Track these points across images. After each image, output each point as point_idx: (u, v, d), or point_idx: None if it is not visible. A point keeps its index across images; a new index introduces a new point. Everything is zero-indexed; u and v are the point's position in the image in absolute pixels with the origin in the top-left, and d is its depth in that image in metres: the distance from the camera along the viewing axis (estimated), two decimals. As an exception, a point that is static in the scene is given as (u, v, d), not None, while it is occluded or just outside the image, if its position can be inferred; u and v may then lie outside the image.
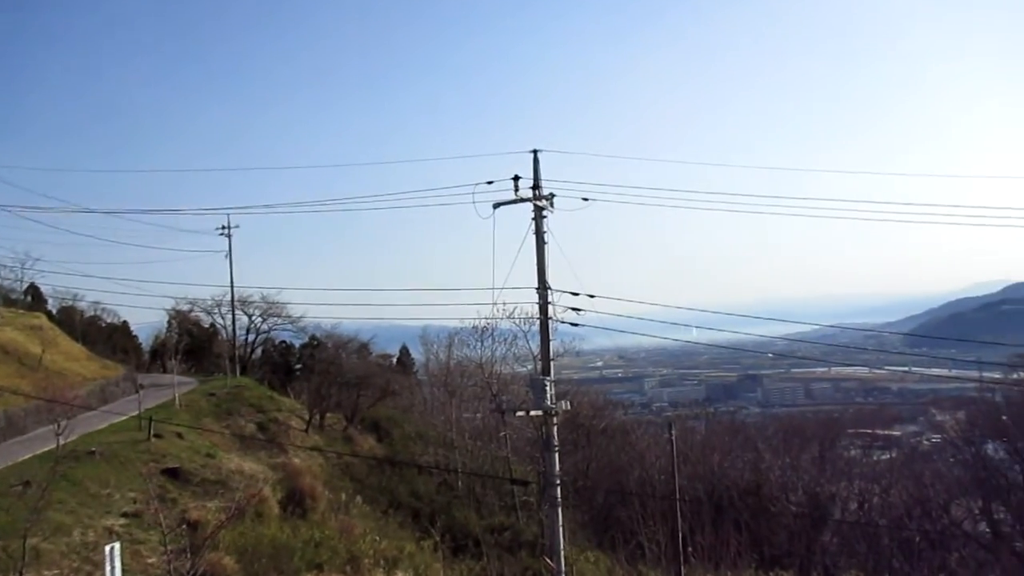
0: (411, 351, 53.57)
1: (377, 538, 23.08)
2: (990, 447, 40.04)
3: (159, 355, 52.62)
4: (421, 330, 44.60)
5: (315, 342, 48.03)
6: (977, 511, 37.34)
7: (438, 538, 25.56)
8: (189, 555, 14.48)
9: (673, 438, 24.96)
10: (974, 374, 56.43)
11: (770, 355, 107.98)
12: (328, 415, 36.99)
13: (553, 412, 19.46)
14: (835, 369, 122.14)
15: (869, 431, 49.47)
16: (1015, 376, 40.49)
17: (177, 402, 32.28)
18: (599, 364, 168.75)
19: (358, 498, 27.63)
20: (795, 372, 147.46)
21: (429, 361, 44.94)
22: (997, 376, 43.70)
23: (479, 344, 36.92)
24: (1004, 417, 40.32)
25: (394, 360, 52.77)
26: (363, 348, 46.82)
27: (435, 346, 42.81)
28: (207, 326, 53.65)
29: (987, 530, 36.53)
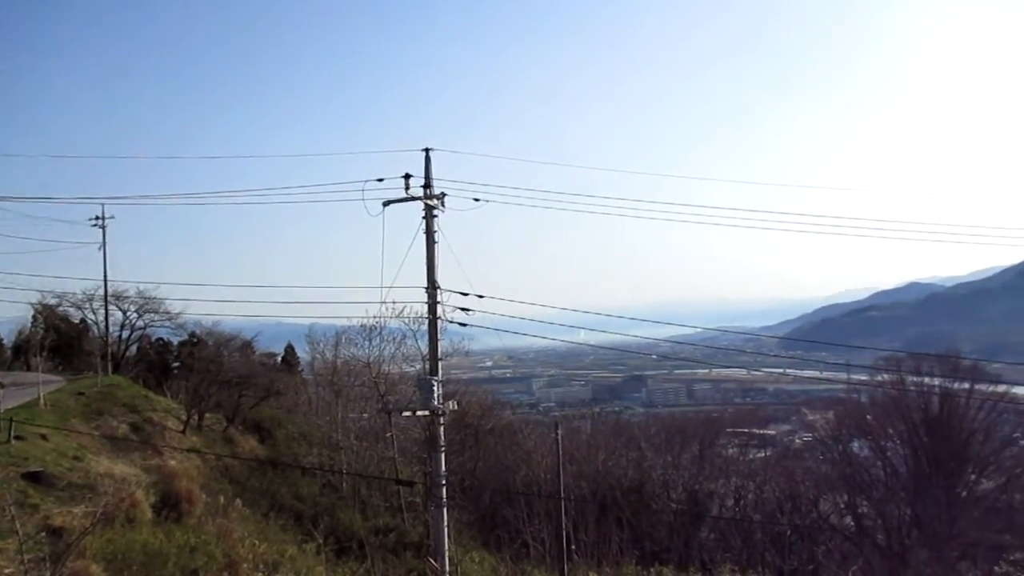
0: (297, 350, 52.29)
1: (257, 542, 22.32)
2: (856, 445, 42.31)
3: (22, 352, 49.51)
4: (307, 328, 43.60)
5: (195, 339, 46.19)
6: (843, 505, 39.38)
7: (321, 541, 24.97)
8: (49, 564, 13.63)
9: (559, 438, 25.26)
10: (843, 376, 59.33)
11: (655, 357, 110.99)
12: (207, 415, 35.64)
13: (440, 412, 19.37)
14: (716, 371, 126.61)
15: (746, 430, 51.46)
16: (879, 378, 42.80)
17: (42, 402, 30.38)
18: (488, 364, 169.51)
19: (238, 501, 26.67)
20: (678, 373, 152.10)
21: (315, 360, 43.90)
22: (864, 378, 46.19)
23: (367, 343, 36.32)
24: (869, 417, 42.68)
25: (279, 359, 51.40)
26: (246, 346, 45.39)
27: (321, 345, 41.86)
28: (77, 322, 50.84)
29: (851, 523, 38.58)
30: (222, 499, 25.96)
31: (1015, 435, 41.24)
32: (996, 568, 32.13)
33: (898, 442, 40.65)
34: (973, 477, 39.10)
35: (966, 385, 39.20)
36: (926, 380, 40.27)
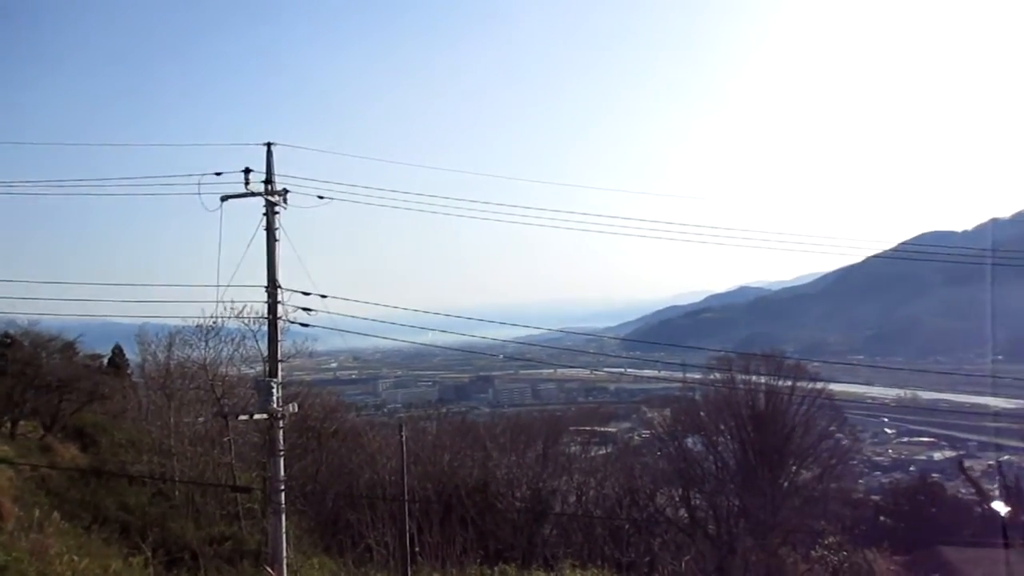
0: (125, 351, 49.14)
1: (76, 557, 20.79)
2: (690, 441, 44.32)
3: None
4: (138, 328, 41.00)
5: (8, 340, 42.51)
6: (678, 498, 41.18)
7: (149, 553, 23.59)
8: None
9: (403, 439, 25.00)
10: (679, 375, 61.89)
11: (501, 357, 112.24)
12: (22, 423, 32.94)
13: (279, 415, 18.72)
14: (560, 371, 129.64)
15: (588, 428, 52.79)
16: (712, 377, 45.03)
17: None
18: (333, 366, 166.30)
19: (55, 514, 24.76)
20: (524, 373, 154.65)
21: (146, 362, 41.29)
22: (698, 377, 48.38)
23: (203, 344, 34.58)
24: (702, 414, 44.83)
25: (105, 361, 48.13)
26: (68, 347, 42.18)
27: (153, 346, 39.46)
28: None
29: (685, 515, 40.40)
30: (37, 513, 24.02)
31: (831, 429, 44.44)
32: (813, 552, 34.45)
33: (728, 437, 42.93)
34: (794, 468, 41.86)
35: (789, 383, 41.90)
36: (753, 378, 42.77)
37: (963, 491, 47.01)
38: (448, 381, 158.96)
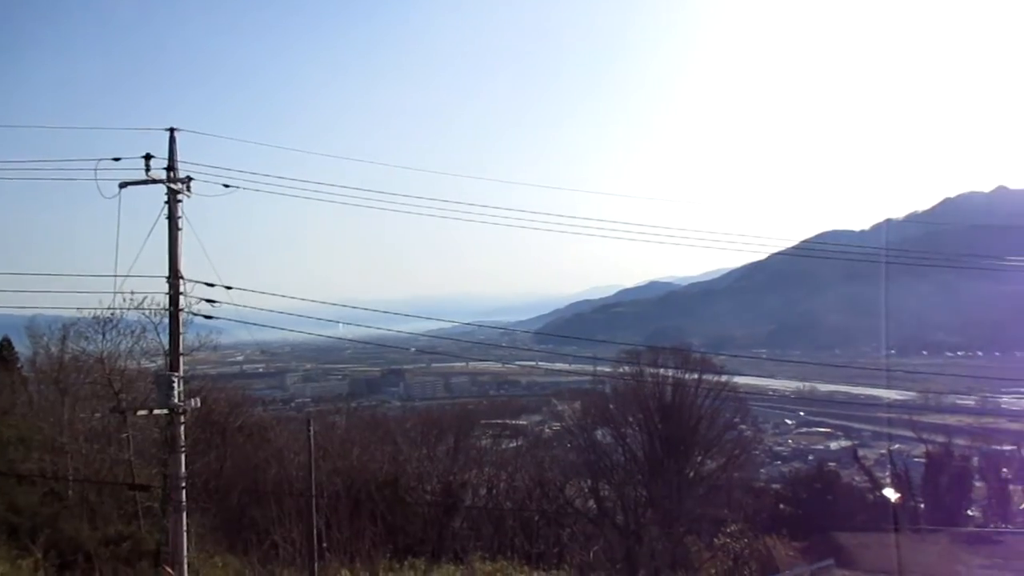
0: (14, 343, 46.73)
1: (-43, 563, 19.76)
2: (600, 433, 44.93)
3: None
4: (28, 320, 39.02)
5: None
6: (587, 490, 41.72)
7: (40, 555, 22.56)
8: None
9: (311, 434, 24.54)
10: (590, 368, 62.65)
11: (413, 350, 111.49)
12: (-101, 420, 31.04)
13: (181, 410, 18.10)
14: (472, 364, 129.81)
15: (500, 421, 53.02)
16: (621, 370, 45.70)
17: None
18: (239, 359, 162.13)
19: (-65, 517, 23.47)
20: (436, 367, 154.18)
21: (37, 355, 39.38)
22: (608, 370, 48.99)
23: (100, 337, 33.14)
24: (612, 406, 45.49)
25: (-8, 354, 45.72)
26: (-49, 340, 39.96)
27: (46, 338, 37.65)
28: None
29: (594, 506, 40.98)
30: (-86, 516, 22.72)
31: (735, 420, 45.71)
32: (716, 540, 35.39)
33: (636, 429, 43.68)
34: (699, 459, 42.90)
35: (695, 376, 42.89)
36: (662, 371, 43.63)
37: (857, 479, 49.06)
38: (359, 375, 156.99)
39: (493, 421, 51.69)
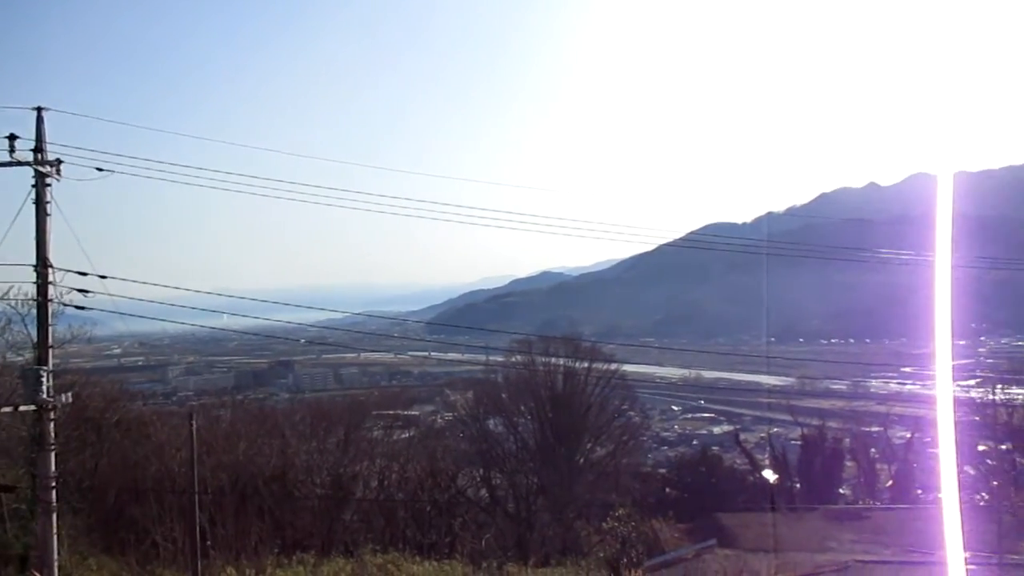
0: None
1: None
2: (492, 422, 45.21)
3: None
4: None
5: None
6: (479, 479, 41.93)
7: None
8: None
9: (193, 427, 23.65)
10: (483, 358, 62.90)
11: (302, 341, 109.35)
12: None
13: (50, 406, 17.12)
14: (364, 355, 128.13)
15: (392, 412, 52.46)
16: (513, 359, 46.07)
17: None
18: (116, 351, 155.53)
19: None
20: (326, 358, 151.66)
21: None
22: (500, 360, 49.28)
23: (-40, 329, 31.05)
24: (504, 395, 45.86)
25: None
26: None
27: (-102, 331, 35.02)
28: None
29: (486, 495, 41.23)
30: None
31: (623, 407, 46.80)
32: (604, 524, 36.13)
33: (528, 417, 44.18)
34: (589, 446, 43.76)
35: (585, 364, 43.65)
36: (553, 361, 44.23)
37: (739, 462, 50.96)
38: (245, 367, 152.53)
39: (385, 412, 50.97)
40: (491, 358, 58.26)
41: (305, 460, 36.83)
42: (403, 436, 45.95)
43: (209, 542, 25.04)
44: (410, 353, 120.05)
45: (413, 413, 60.62)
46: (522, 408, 44.33)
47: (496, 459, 42.06)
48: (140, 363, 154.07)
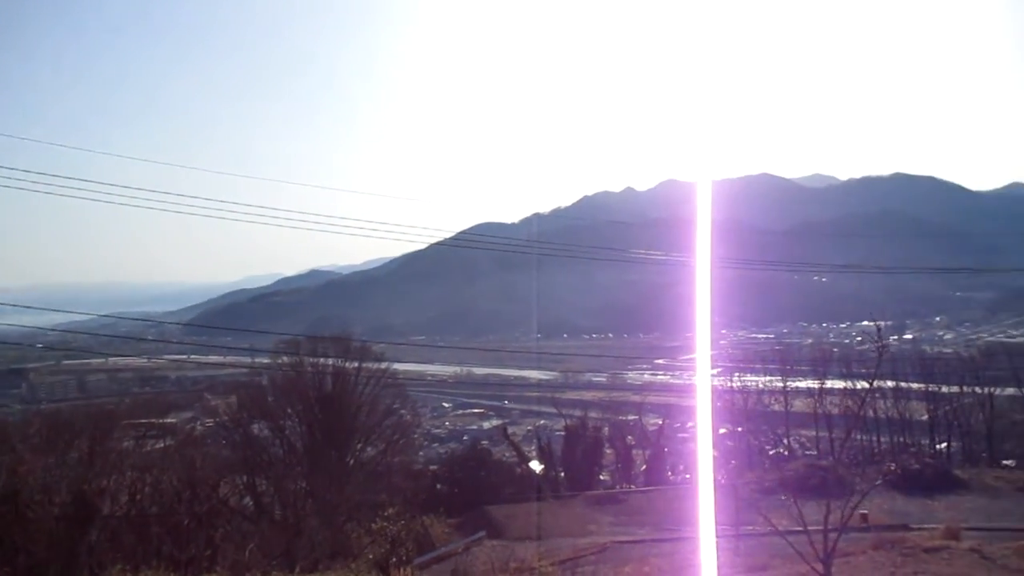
0: None
1: None
2: (257, 427, 43.28)
3: None
4: None
5: None
6: (243, 487, 39.89)
7: None
8: None
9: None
10: (247, 360, 60.19)
11: (39, 347, 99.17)
12: None
13: None
14: (113, 360, 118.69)
15: (145, 420, 48.83)
16: (280, 361, 44.39)
17: None
18: None
19: None
20: (68, 364, 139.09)
21: None
22: (266, 361, 47.35)
23: None
24: (270, 399, 44.05)
25: None
26: None
27: None
28: None
29: (251, 503, 39.34)
30: None
31: (395, 406, 46.49)
32: (374, 525, 35.68)
33: (296, 420, 42.73)
34: (360, 446, 43.07)
35: (356, 364, 42.89)
36: (321, 361, 43.08)
37: (507, 455, 52.25)
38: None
39: (137, 421, 47.32)
40: (256, 360, 55.94)
41: (41, 477, 33.27)
42: (157, 446, 42.93)
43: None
44: (166, 357, 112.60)
45: (170, 420, 56.86)
46: (289, 411, 42.83)
47: (262, 465, 40.26)
48: None
